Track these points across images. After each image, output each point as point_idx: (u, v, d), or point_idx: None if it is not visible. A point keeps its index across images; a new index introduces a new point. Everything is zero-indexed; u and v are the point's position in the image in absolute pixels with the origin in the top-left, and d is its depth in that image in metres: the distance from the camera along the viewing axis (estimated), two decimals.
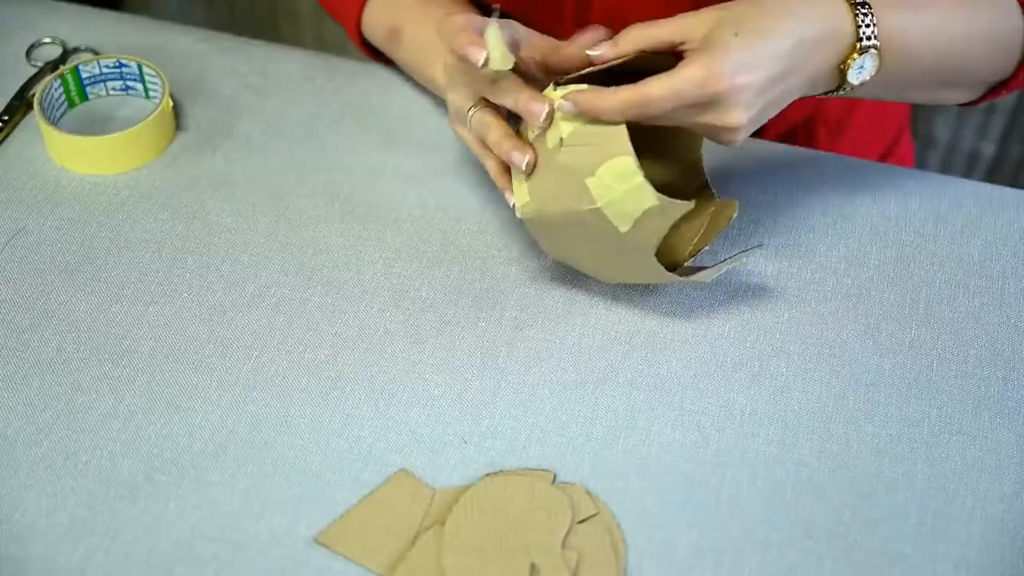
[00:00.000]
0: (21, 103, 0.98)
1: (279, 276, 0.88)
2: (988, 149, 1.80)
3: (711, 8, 0.77)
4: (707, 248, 0.86)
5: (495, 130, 0.81)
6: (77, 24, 1.06)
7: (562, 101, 0.76)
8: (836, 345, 0.85)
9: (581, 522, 0.75)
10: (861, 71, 0.79)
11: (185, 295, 0.87)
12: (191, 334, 0.84)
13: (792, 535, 0.75)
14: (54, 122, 0.96)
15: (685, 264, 0.86)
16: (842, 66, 0.79)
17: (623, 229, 0.77)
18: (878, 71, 0.80)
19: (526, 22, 0.98)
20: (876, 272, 0.89)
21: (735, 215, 0.83)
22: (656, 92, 0.74)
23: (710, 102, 0.75)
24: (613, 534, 0.75)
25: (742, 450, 0.79)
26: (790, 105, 1.07)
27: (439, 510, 0.75)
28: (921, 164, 1.82)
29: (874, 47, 0.78)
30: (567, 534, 0.74)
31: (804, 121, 1.08)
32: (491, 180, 0.92)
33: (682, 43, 0.77)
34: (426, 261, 0.89)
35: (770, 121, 1.06)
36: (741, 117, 0.76)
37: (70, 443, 0.78)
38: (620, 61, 0.78)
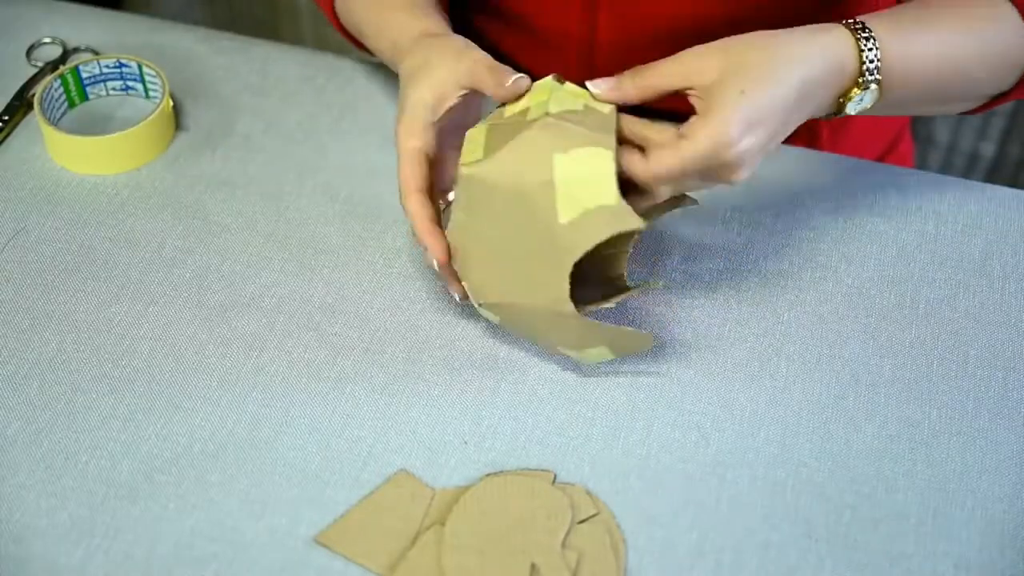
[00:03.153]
0: (21, 103, 0.98)
1: (279, 276, 0.88)
2: (988, 149, 1.80)
3: (715, 48, 0.75)
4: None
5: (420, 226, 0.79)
6: (77, 24, 1.06)
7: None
8: (836, 345, 0.85)
9: (581, 522, 0.75)
10: (860, 103, 0.79)
11: (185, 295, 0.87)
12: (191, 334, 0.84)
13: (792, 535, 0.75)
14: (54, 122, 0.96)
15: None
16: (842, 99, 0.78)
17: (563, 218, 0.72)
18: (878, 101, 0.79)
19: (531, 22, 0.98)
20: (876, 272, 0.89)
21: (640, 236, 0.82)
22: (664, 171, 0.73)
23: (717, 167, 0.74)
24: (613, 534, 0.75)
25: (742, 450, 0.79)
26: None
27: (439, 510, 0.75)
28: (921, 164, 1.82)
29: (876, 80, 0.77)
30: (567, 534, 0.74)
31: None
32: None
33: (688, 88, 0.75)
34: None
35: None
36: (744, 175, 0.75)
37: (70, 443, 0.78)
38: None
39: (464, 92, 0.79)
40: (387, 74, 1.02)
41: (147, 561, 0.73)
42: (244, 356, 0.83)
